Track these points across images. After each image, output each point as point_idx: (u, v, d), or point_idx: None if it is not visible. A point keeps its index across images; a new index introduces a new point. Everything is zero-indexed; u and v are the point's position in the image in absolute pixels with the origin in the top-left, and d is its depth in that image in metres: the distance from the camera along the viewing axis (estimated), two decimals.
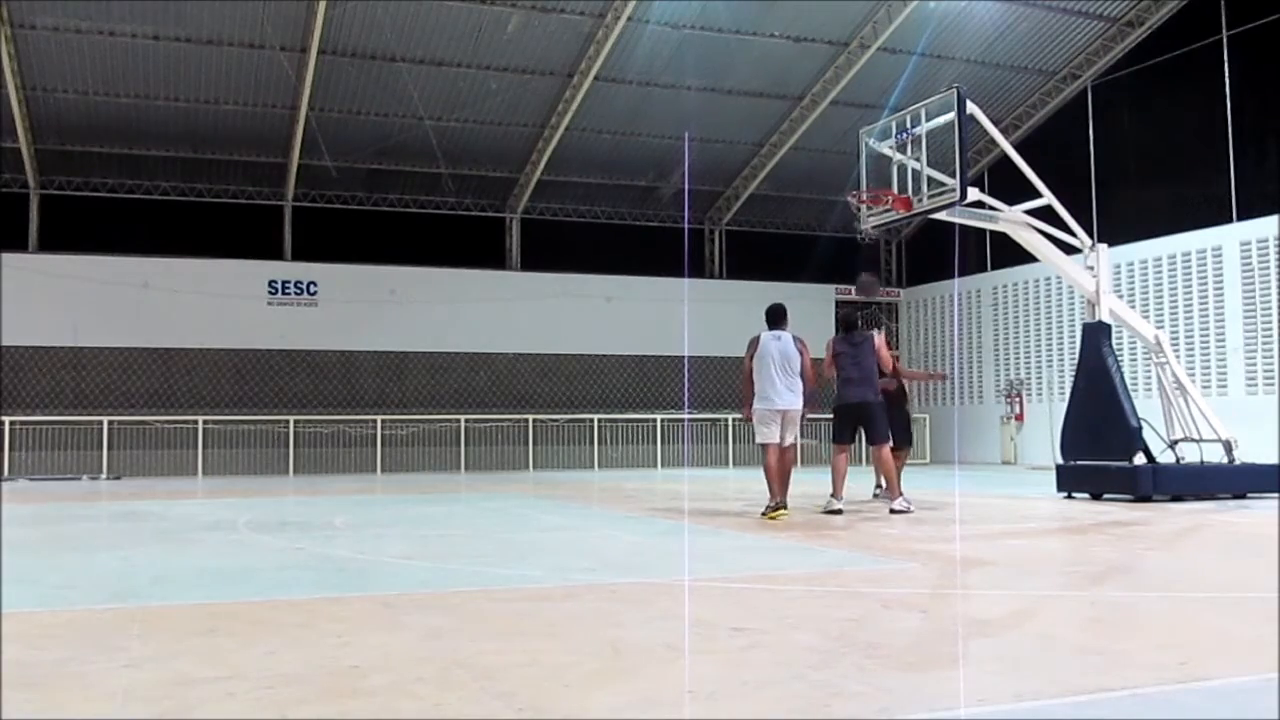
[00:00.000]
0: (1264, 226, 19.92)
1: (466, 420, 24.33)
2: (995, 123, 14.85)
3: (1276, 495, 13.01)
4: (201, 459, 22.36)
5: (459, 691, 3.64)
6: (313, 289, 24.79)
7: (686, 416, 24.52)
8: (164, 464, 22.21)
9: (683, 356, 24.79)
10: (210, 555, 8.08)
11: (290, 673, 3.92)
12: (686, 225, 27.90)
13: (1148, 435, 13.13)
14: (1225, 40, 20.88)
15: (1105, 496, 13.09)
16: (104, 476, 21.20)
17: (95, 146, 23.26)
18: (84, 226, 23.89)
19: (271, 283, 24.60)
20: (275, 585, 6.50)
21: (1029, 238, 13.84)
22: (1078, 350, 14.69)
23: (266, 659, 4.15)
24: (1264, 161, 20.26)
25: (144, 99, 22.08)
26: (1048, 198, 13.56)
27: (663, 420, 25.26)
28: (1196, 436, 13.70)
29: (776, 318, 11.60)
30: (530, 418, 24.79)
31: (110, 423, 22.02)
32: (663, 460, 24.94)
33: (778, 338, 11.44)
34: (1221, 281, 20.72)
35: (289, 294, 24.67)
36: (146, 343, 23.53)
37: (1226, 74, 20.85)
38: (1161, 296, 21.82)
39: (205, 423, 22.59)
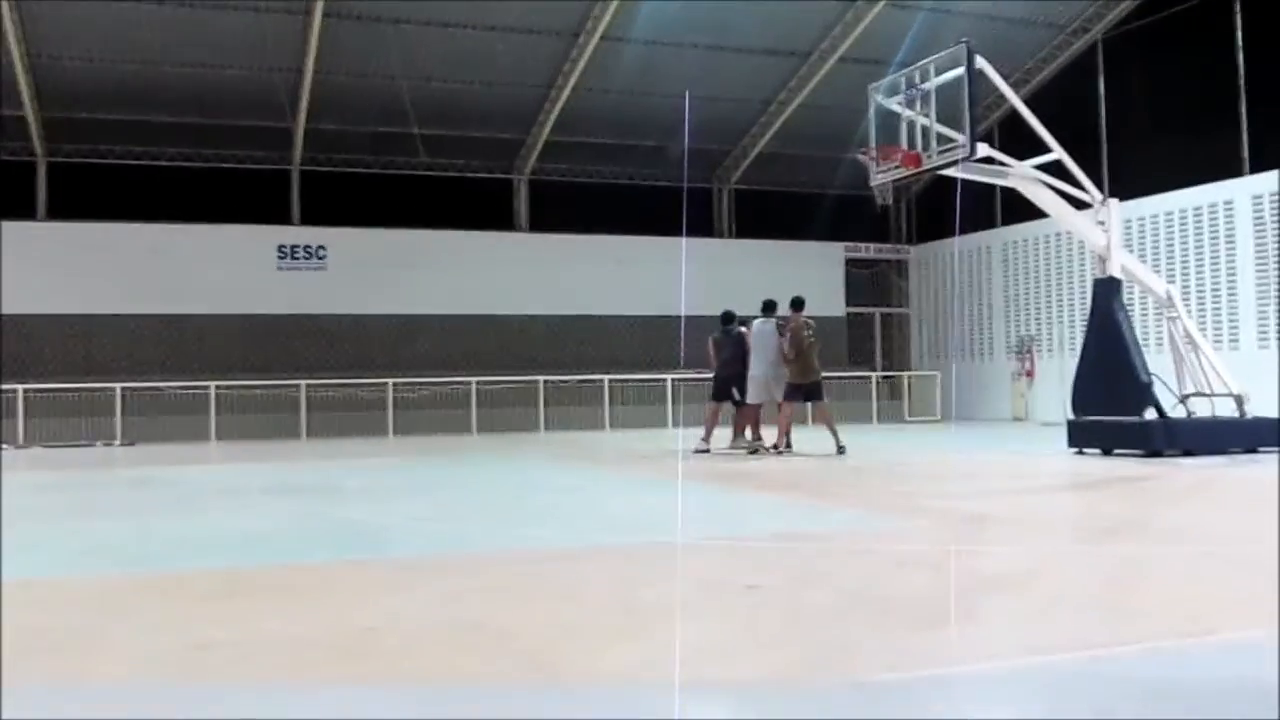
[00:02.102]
0: (1276, 180, 19.76)
1: (478, 382, 24.36)
2: (1004, 77, 14.71)
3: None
4: (214, 424, 22.42)
5: (474, 653, 3.67)
6: (322, 253, 24.77)
7: (691, 375, 24.52)
8: (177, 430, 22.25)
9: (691, 316, 24.72)
10: (226, 520, 8.14)
11: (307, 635, 3.96)
12: (685, 184, 27.78)
13: (1159, 390, 13.11)
14: None
15: (1116, 452, 13.10)
16: (118, 443, 21.29)
17: (101, 113, 23.18)
18: (92, 193, 23.84)
19: (280, 247, 24.58)
20: (291, 549, 6.55)
21: (1039, 193, 13.77)
22: (1089, 306, 14.65)
23: (284, 623, 4.19)
24: (1276, 114, 20.09)
25: (149, 64, 21.98)
26: (1058, 153, 13.48)
27: (673, 380, 25.25)
28: (1208, 391, 13.69)
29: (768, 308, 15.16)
30: (541, 379, 24.79)
31: (123, 389, 22.09)
32: (674, 420, 24.96)
33: (765, 323, 15.01)
34: (1233, 235, 20.59)
35: (298, 259, 24.66)
36: (156, 309, 23.55)
37: (1239, 26, 20.63)
38: (1173, 251, 21.71)
39: (217, 388, 22.64)
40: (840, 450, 13.94)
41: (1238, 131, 20.58)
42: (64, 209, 23.66)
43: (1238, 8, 20.63)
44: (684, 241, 26.10)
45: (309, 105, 23.29)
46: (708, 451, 14.67)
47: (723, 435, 15.41)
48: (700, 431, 15.32)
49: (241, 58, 22.15)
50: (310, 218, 25.23)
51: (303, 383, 23.15)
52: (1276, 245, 18.74)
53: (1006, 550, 6.05)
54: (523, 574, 5.44)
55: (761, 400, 14.79)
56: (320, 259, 24.75)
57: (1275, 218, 18.65)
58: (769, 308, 15.03)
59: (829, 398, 15.78)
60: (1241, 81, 20.57)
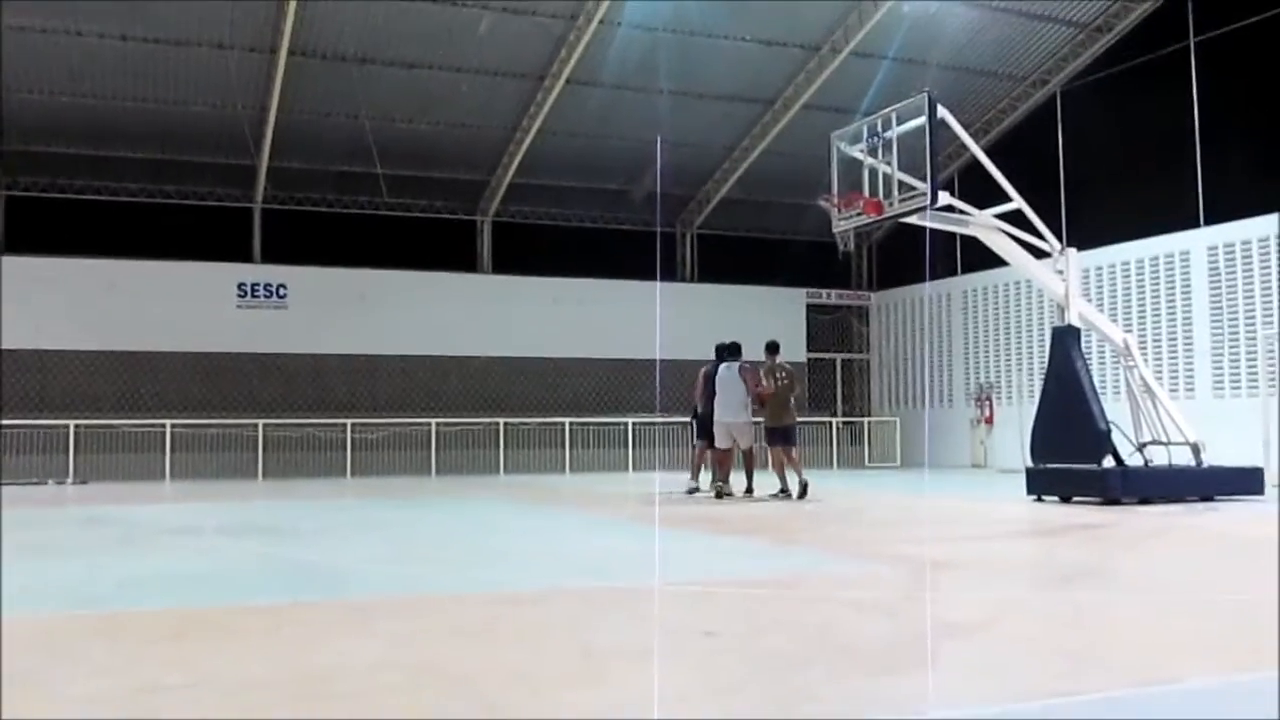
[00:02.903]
0: (1230, 231, 20.09)
1: (438, 424, 24.22)
2: (965, 127, 14.90)
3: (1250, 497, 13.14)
4: (169, 463, 22.15)
5: (429, 696, 3.61)
6: (282, 292, 24.63)
7: (659, 420, 24.51)
8: (131, 468, 21.96)
9: (654, 360, 24.70)
10: (178, 560, 8.00)
11: (258, 678, 3.88)
12: (659, 228, 27.86)
13: (1116, 438, 13.20)
14: (1193, 46, 21.03)
15: (1075, 499, 13.15)
16: (70, 481, 20.98)
17: (61, 147, 23.04)
18: (50, 228, 23.66)
19: (240, 285, 24.43)
20: (243, 590, 6.44)
21: (999, 242, 13.90)
22: (1047, 354, 14.75)
23: (233, 665, 4.11)
24: (1230, 167, 20.43)
25: (111, 100, 21.89)
26: (1017, 202, 13.62)
27: (634, 424, 25.23)
28: (1164, 439, 13.79)
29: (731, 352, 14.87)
30: (501, 421, 24.70)
31: (76, 426, 21.80)
32: (634, 464, 24.93)
33: (729, 368, 14.64)
34: (1189, 285, 20.87)
35: (258, 297, 24.51)
36: (113, 346, 23.29)
37: (1194, 80, 21.01)
38: (1130, 300, 21.97)
39: (173, 426, 22.38)
40: (802, 493, 13.96)
41: (1193, 183, 20.90)
42: (21, 243, 23.39)
43: (1193, 63, 21.00)
44: (658, 286, 26.15)
45: (272, 143, 23.25)
46: (698, 489, 14.67)
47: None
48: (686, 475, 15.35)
49: (205, 94, 22.10)
50: (271, 256, 25.12)
51: (260, 422, 22.95)
52: (1278, 287, 18.90)
53: (966, 597, 6.04)
54: (479, 617, 5.37)
55: (727, 445, 14.65)
56: (281, 297, 24.62)
57: (1278, 259, 18.89)
58: (736, 350, 14.86)
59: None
60: (1197, 135, 20.91)
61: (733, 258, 28.73)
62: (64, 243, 23.50)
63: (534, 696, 3.62)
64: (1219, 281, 20.33)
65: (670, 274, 28.57)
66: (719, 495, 14.41)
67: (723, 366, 14.74)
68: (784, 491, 14.28)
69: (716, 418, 14.57)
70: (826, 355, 29.74)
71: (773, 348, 15.05)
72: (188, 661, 4.18)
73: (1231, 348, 20.02)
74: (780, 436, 14.75)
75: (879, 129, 13.45)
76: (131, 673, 3.98)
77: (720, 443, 14.65)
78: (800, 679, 3.83)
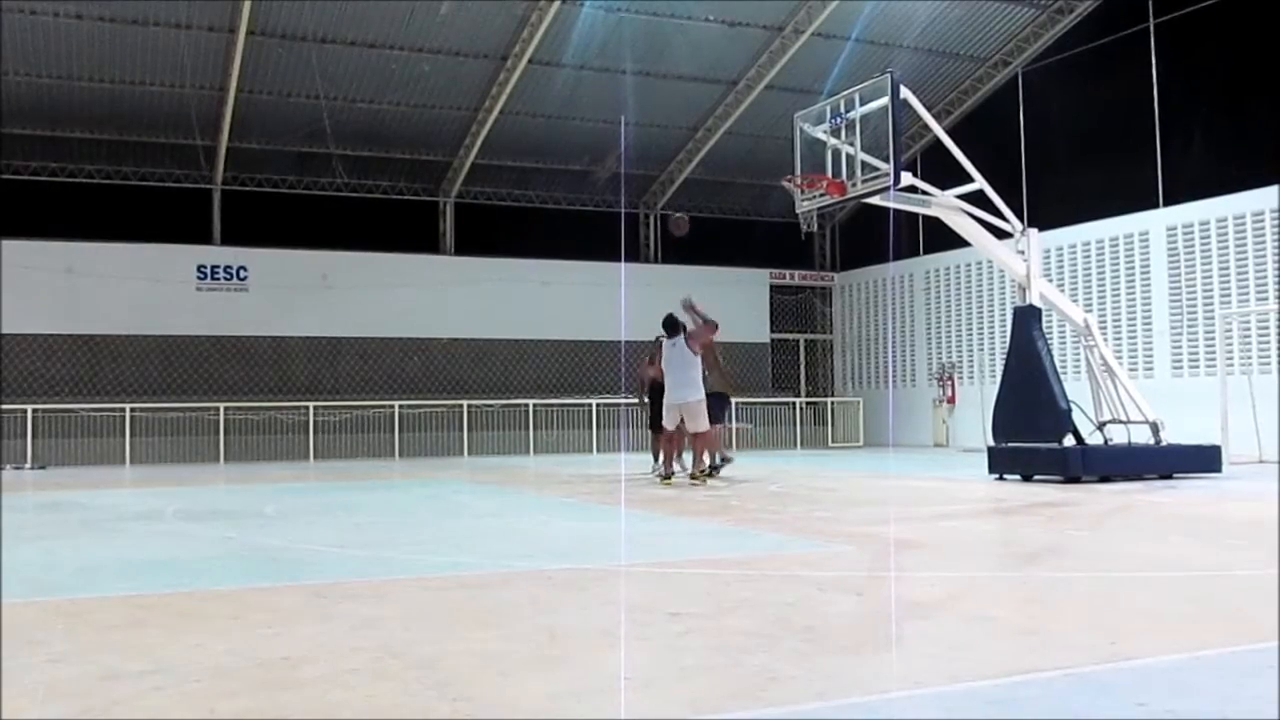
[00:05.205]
0: (1189, 212, 20.26)
1: (400, 406, 24.13)
2: (928, 108, 14.92)
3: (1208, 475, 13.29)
4: (129, 447, 21.96)
5: (392, 682, 3.59)
6: (243, 274, 24.42)
7: (623, 402, 24.48)
8: (90, 453, 21.77)
9: (618, 341, 24.67)
10: (137, 546, 7.93)
11: (219, 665, 3.84)
12: (623, 209, 27.80)
13: (1077, 417, 13.31)
14: (1152, 28, 21.16)
15: (1035, 478, 13.27)
16: (28, 466, 20.76)
17: (16, 128, 22.69)
18: (5, 210, 23.32)
19: (200, 267, 24.20)
20: (204, 576, 6.39)
21: (961, 222, 13.95)
22: (1009, 333, 14.85)
23: (195, 651, 4.07)
24: (1189, 148, 20.59)
25: (66, 80, 21.58)
26: (979, 182, 13.69)
27: (598, 405, 25.22)
28: (1124, 418, 13.93)
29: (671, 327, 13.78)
30: (465, 403, 24.64)
31: (34, 411, 21.56)
32: (598, 445, 24.93)
33: (673, 344, 13.66)
34: (1149, 266, 21.05)
35: (218, 279, 24.29)
36: (71, 329, 23.04)
37: (1153, 61, 21.15)
38: (1090, 280, 22.13)
39: (133, 410, 22.18)
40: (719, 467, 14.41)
41: (1153, 164, 21.05)
42: None
43: (1153, 45, 21.13)
44: (623, 267, 26.08)
45: (231, 123, 23.02)
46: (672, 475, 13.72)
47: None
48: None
49: (163, 74, 21.83)
50: (231, 238, 24.89)
51: (221, 405, 22.78)
52: (1276, 265, 18.97)
53: (931, 575, 6.07)
54: (442, 600, 5.35)
55: (674, 425, 13.68)
56: (241, 280, 24.42)
57: (1275, 235, 18.93)
58: (674, 325, 13.80)
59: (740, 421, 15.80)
60: (1156, 116, 21.06)
61: (697, 238, 28.61)
62: (20, 226, 23.15)
63: (499, 680, 3.61)
64: (1178, 262, 20.51)
65: (634, 255, 28.53)
66: (662, 478, 13.63)
67: (666, 344, 13.79)
68: (724, 460, 14.60)
69: (665, 400, 13.69)
70: (790, 336, 29.81)
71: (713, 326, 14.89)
72: (149, 648, 4.14)
73: (1190, 328, 20.21)
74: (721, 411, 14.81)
75: (842, 110, 13.48)
76: (92, 660, 3.94)
77: (668, 424, 13.67)
78: (766, 659, 3.83)
